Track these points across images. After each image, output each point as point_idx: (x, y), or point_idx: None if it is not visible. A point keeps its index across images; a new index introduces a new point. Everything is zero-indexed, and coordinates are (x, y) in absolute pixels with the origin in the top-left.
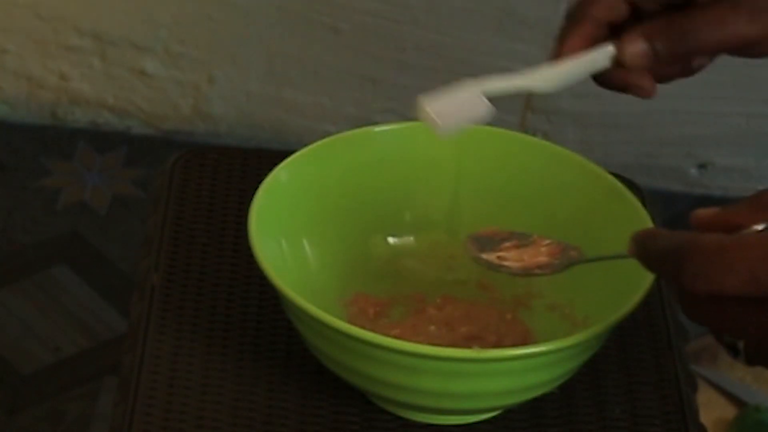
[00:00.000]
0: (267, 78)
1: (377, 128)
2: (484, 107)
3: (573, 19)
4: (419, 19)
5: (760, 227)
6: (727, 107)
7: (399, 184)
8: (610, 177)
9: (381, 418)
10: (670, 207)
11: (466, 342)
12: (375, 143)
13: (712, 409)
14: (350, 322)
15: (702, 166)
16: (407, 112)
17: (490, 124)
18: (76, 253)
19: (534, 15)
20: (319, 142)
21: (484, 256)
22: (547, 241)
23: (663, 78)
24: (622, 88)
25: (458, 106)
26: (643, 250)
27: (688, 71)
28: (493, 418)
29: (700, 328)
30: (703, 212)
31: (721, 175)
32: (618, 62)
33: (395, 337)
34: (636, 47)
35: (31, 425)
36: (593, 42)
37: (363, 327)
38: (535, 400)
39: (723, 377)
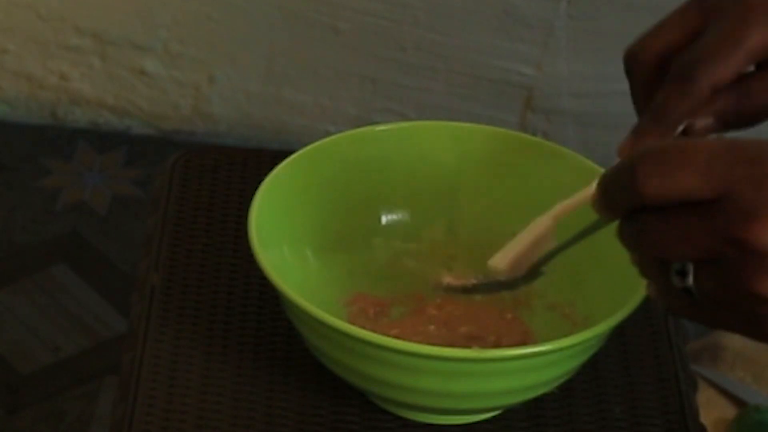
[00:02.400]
0: (267, 78)
1: (377, 128)
2: (551, 243)
3: (653, 116)
4: (419, 19)
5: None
6: None
7: (399, 184)
8: None
9: (381, 418)
10: None
11: (466, 342)
12: (375, 143)
13: (712, 409)
14: (350, 322)
15: None
16: (407, 112)
17: (490, 124)
18: (76, 253)
19: (534, 15)
20: (319, 142)
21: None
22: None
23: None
24: None
25: (527, 253)
26: (601, 180)
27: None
28: (493, 418)
29: (701, 328)
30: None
31: None
32: (683, 131)
33: (395, 337)
34: (705, 123)
35: (31, 425)
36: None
37: (363, 327)
38: (535, 400)
39: (723, 377)
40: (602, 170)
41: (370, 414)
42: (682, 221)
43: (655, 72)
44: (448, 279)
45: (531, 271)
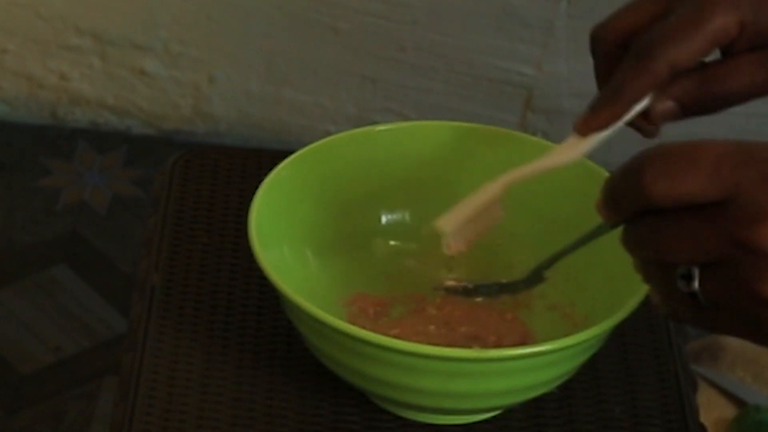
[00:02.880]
0: (267, 78)
1: (377, 128)
2: (499, 214)
3: (610, 92)
4: (419, 19)
5: None
6: None
7: (399, 184)
8: None
9: (381, 418)
10: None
11: (466, 342)
12: (375, 143)
13: (712, 409)
14: (350, 322)
15: None
16: (407, 112)
17: (490, 124)
18: (76, 253)
19: (534, 15)
20: (319, 142)
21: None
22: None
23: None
24: (629, 123)
25: (473, 220)
26: (606, 183)
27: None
28: (493, 418)
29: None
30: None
31: None
32: (644, 114)
33: (395, 336)
34: (665, 106)
35: (31, 425)
36: (654, 89)
37: (363, 327)
38: (535, 400)
39: (723, 377)
40: (602, 170)
41: (370, 414)
42: (689, 224)
43: (617, 51)
44: (449, 281)
45: (532, 276)
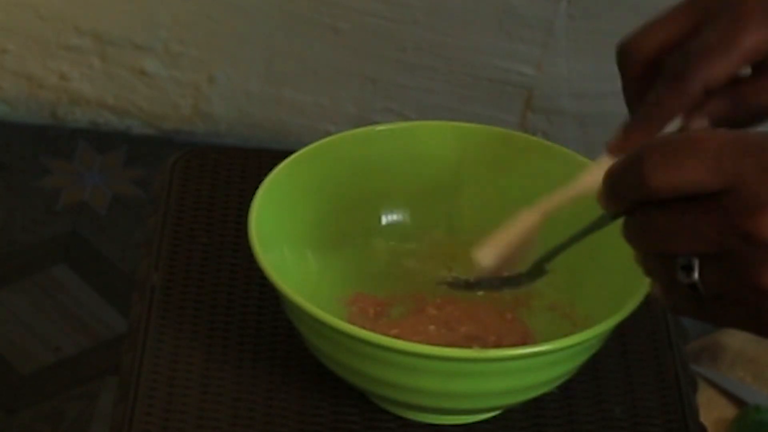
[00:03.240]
0: (267, 78)
1: (377, 128)
2: (534, 241)
3: (645, 114)
4: (419, 19)
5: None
6: None
7: (399, 184)
8: None
9: (381, 418)
10: None
11: (466, 342)
12: (375, 143)
13: (712, 409)
14: (350, 322)
15: None
16: (407, 112)
17: (490, 124)
18: (76, 253)
19: (534, 15)
20: (319, 142)
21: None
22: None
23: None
24: None
25: (512, 248)
26: (607, 173)
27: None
28: (493, 418)
29: (701, 328)
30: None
31: None
32: (680, 131)
33: (395, 336)
34: (699, 124)
35: (31, 425)
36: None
37: (363, 327)
38: (535, 400)
39: (723, 377)
40: None
41: (370, 414)
42: (689, 214)
43: (648, 69)
44: (450, 276)
45: (534, 270)
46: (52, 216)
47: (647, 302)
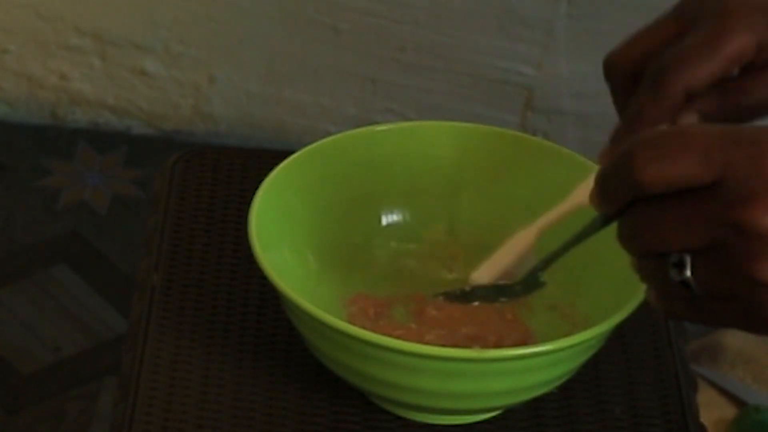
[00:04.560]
0: (267, 78)
1: (377, 128)
2: (531, 258)
3: (630, 120)
4: (419, 19)
5: None
6: None
7: (399, 184)
8: None
9: (381, 418)
10: None
11: (466, 342)
12: (375, 143)
13: (712, 409)
14: (350, 322)
15: None
16: (407, 112)
17: (490, 124)
18: (76, 253)
19: (534, 15)
20: (319, 142)
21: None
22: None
23: None
24: None
25: (508, 268)
26: (598, 173)
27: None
28: (493, 418)
29: (701, 328)
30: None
31: None
32: None
33: (396, 337)
34: (689, 120)
35: (31, 425)
36: (672, 113)
37: (363, 327)
38: (535, 400)
39: (723, 377)
40: None
41: (370, 414)
42: (680, 208)
43: (632, 79)
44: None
45: (530, 280)
46: (52, 216)
47: (647, 302)
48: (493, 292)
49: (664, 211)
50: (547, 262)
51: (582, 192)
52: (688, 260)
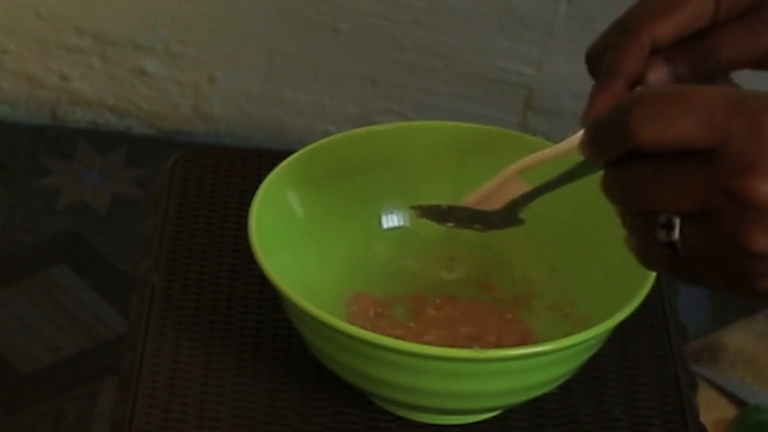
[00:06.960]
0: (267, 78)
1: (377, 128)
2: (522, 186)
3: (603, 75)
4: (419, 19)
5: None
6: None
7: (399, 184)
8: None
9: (381, 418)
10: None
11: (467, 342)
12: (375, 143)
13: (712, 409)
14: (350, 322)
15: None
16: (407, 112)
17: (490, 124)
18: (76, 253)
19: (534, 15)
20: (319, 142)
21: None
22: None
23: None
24: None
25: (498, 192)
26: (591, 124)
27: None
28: (493, 418)
29: (701, 329)
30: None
31: None
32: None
33: (396, 337)
34: (658, 73)
35: (31, 425)
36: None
37: (363, 327)
38: (535, 400)
39: (723, 377)
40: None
41: (370, 414)
42: (676, 170)
43: None
44: (445, 288)
45: (509, 215)
46: (52, 216)
47: (647, 302)
48: (469, 216)
49: (658, 171)
50: (528, 198)
51: (571, 140)
52: (677, 223)
